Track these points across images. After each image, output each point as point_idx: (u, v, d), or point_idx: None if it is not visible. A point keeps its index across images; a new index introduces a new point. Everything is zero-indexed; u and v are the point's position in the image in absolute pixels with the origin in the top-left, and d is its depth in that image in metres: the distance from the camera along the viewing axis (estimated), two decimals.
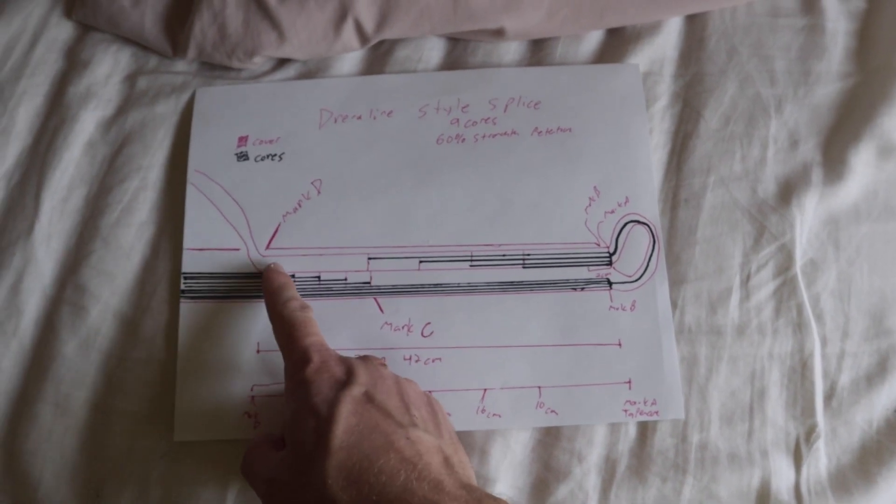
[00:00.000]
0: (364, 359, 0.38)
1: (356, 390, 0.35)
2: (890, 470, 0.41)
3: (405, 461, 0.33)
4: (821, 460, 0.41)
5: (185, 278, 0.45)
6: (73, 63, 0.50)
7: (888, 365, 0.43)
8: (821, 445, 0.41)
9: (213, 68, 0.50)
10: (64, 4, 0.52)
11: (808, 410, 0.42)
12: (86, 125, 0.48)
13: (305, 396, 0.35)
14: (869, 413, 0.42)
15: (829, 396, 0.42)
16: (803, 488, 0.41)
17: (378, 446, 0.33)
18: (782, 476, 0.41)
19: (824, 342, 0.43)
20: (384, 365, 0.38)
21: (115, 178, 0.47)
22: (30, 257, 0.46)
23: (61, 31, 0.51)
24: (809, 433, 0.41)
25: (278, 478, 0.35)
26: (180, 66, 0.50)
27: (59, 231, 0.47)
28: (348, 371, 0.36)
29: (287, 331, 0.39)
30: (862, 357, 0.43)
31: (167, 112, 0.48)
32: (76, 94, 0.49)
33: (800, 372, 0.42)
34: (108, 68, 0.50)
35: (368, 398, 0.35)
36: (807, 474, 0.41)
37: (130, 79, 0.50)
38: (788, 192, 0.45)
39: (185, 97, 0.49)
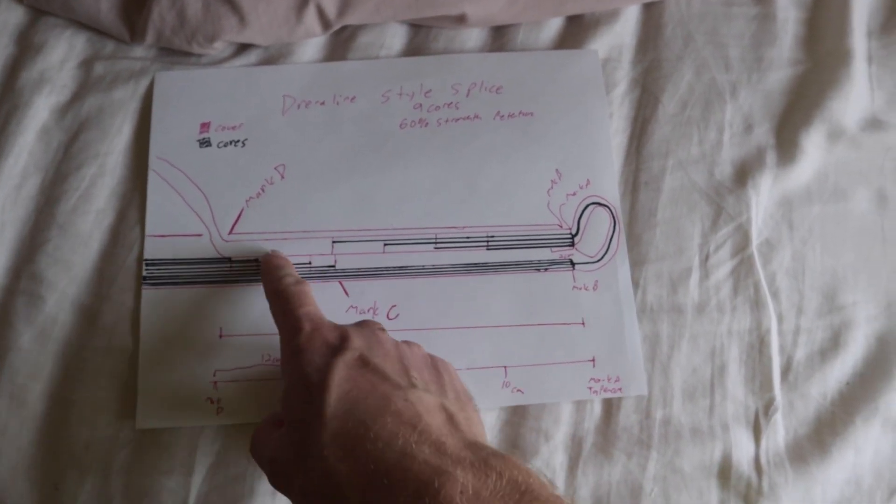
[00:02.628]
0: (360, 324, 0.37)
1: (349, 355, 0.33)
2: (844, 440, 0.42)
3: (403, 423, 0.31)
4: (779, 432, 0.42)
5: (147, 265, 0.44)
6: (25, 48, 0.49)
7: (840, 340, 0.44)
8: (779, 418, 0.42)
9: (173, 54, 0.49)
10: None
11: (766, 385, 0.43)
12: (39, 111, 0.47)
13: (298, 367, 0.34)
14: (823, 386, 0.43)
15: (786, 371, 0.44)
16: (763, 459, 0.42)
17: (374, 410, 0.31)
18: (742, 449, 0.42)
19: (780, 319, 0.44)
20: (382, 329, 0.37)
21: (71, 165, 0.46)
22: None
23: (12, 15, 0.50)
24: (768, 407, 0.43)
25: (279, 457, 0.33)
26: (138, 51, 0.49)
27: (12, 219, 0.45)
28: (341, 336, 0.35)
29: (281, 305, 0.38)
30: (816, 332, 0.44)
31: (125, 98, 0.48)
32: (29, 80, 0.48)
33: (758, 348, 0.44)
34: (63, 53, 0.49)
35: (363, 362, 0.33)
36: (766, 446, 0.42)
37: (86, 64, 0.49)
38: (744, 174, 0.47)
39: (143, 83, 0.48)
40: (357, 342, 0.34)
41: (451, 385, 0.36)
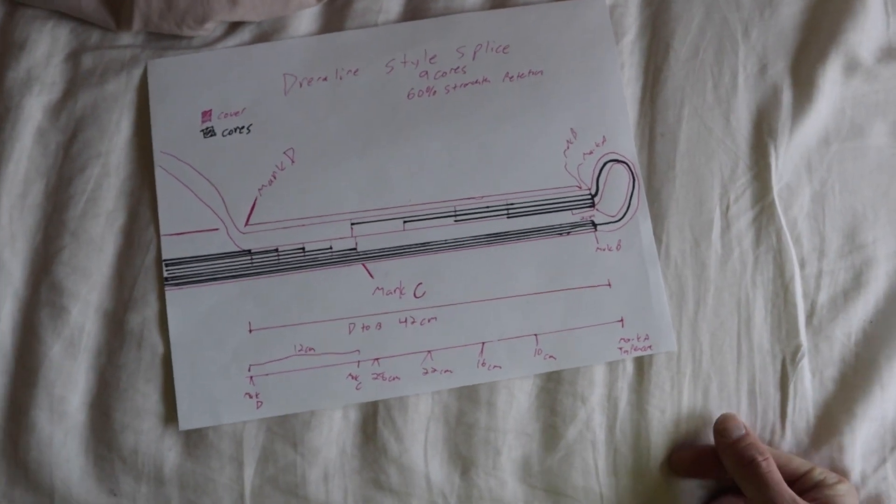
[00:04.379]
0: None
1: None
2: (867, 378, 0.43)
3: None
4: (806, 378, 0.43)
5: (167, 265, 0.44)
6: (6, 45, 0.46)
7: (862, 279, 0.45)
8: (805, 364, 0.43)
9: (162, 38, 0.47)
10: None
11: (792, 332, 0.44)
12: (32, 112, 0.45)
13: None
14: (847, 327, 0.44)
15: (810, 315, 0.44)
16: (788, 407, 0.43)
17: None
18: (770, 398, 0.43)
19: (803, 264, 0.45)
20: None
21: (73, 168, 0.45)
22: None
23: None
24: (795, 353, 0.44)
25: None
26: (126, 38, 0.47)
27: (21, 229, 0.44)
28: None
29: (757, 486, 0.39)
30: (838, 274, 0.45)
31: (119, 90, 0.46)
32: (16, 80, 0.45)
33: (782, 296, 0.44)
34: (47, 48, 0.46)
35: None
36: (792, 393, 0.43)
37: (73, 57, 0.46)
38: (760, 119, 0.46)
39: (136, 72, 0.46)
40: None
41: None
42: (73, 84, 0.46)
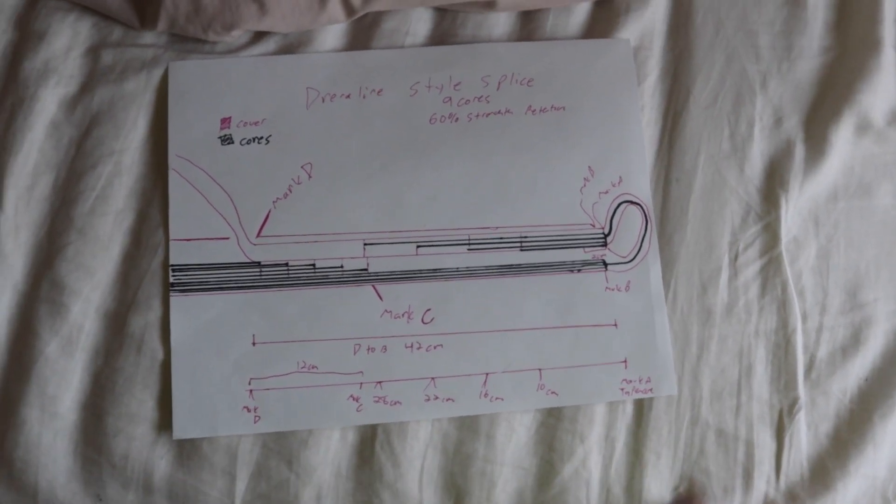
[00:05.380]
0: None
1: None
2: (861, 436, 0.44)
3: None
4: (801, 430, 0.44)
5: (174, 270, 0.43)
6: (25, 34, 0.45)
7: (861, 337, 0.45)
8: (801, 417, 0.44)
9: (185, 40, 0.46)
10: None
11: (790, 384, 0.44)
12: (47, 104, 0.44)
13: None
14: (843, 383, 0.45)
15: (809, 369, 0.45)
16: (784, 458, 0.44)
17: None
18: (765, 448, 0.44)
19: (805, 318, 0.45)
20: None
21: (85, 163, 0.44)
22: None
23: None
24: (792, 406, 0.44)
25: None
26: (148, 38, 0.46)
27: (27, 222, 0.43)
28: None
29: None
30: (838, 330, 0.46)
31: (138, 89, 0.45)
32: (33, 70, 0.45)
33: (783, 347, 0.45)
34: (67, 40, 0.45)
35: None
36: (788, 444, 0.44)
37: (93, 52, 0.46)
38: (773, 170, 0.47)
39: (157, 73, 0.45)
40: None
41: None
42: (91, 79, 0.45)
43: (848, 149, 0.48)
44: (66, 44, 0.45)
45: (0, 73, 0.45)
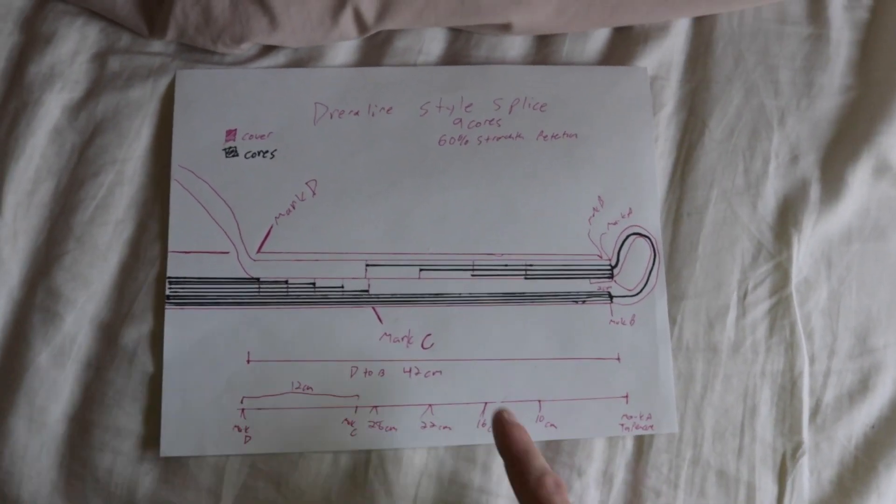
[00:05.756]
0: None
1: None
2: (866, 485, 0.43)
3: None
4: (804, 475, 0.43)
5: (171, 283, 0.42)
6: (32, 37, 0.45)
7: (869, 383, 0.44)
8: (804, 462, 0.43)
9: (194, 50, 0.45)
10: None
11: (795, 428, 0.43)
12: (51, 109, 0.44)
13: None
14: (849, 429, 0.44)
15: (815, 413, 0.44)
16: (785, 503, 0.43)
17: None
18: (767, 492, 0.43)
19: (812, 360, 0.44)
20: None
21: (87, 171, 0.43)
22: None
23: None
24: (795, 450, 0.43)
25: None
26: (156, 46, 0.45)
27: (25, 228, 0.43)
28: None
29: None
30: (846, 375, 0.44)
31: (144, 98, 0.44)
32: (38, 74, 0.44)
33: (789, 390, 0.44)
34: (74, 45, 0.45)
35: None
36: (790, 489, 0.43)
37: (100, 58, 0.45)
38: (787, 210, 0.46)
39: (163, 81, 0.45)
40: None
41: None
42: (97, 85, 0.45)
43: (864, 190, 0.47)
44: (73, 48, 0.45)
45: (5, 77, 0.44)
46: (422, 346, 0.43)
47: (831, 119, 0.48)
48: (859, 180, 0.46)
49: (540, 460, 0.34)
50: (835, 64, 0.48)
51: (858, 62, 0.49)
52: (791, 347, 0.44)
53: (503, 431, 0.36)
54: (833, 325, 0.45)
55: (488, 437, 0.42)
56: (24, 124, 0.43)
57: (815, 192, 0.46)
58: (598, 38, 0.48)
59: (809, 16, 0.49)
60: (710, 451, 0.43)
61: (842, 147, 0.47)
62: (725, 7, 0.48)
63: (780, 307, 0.44)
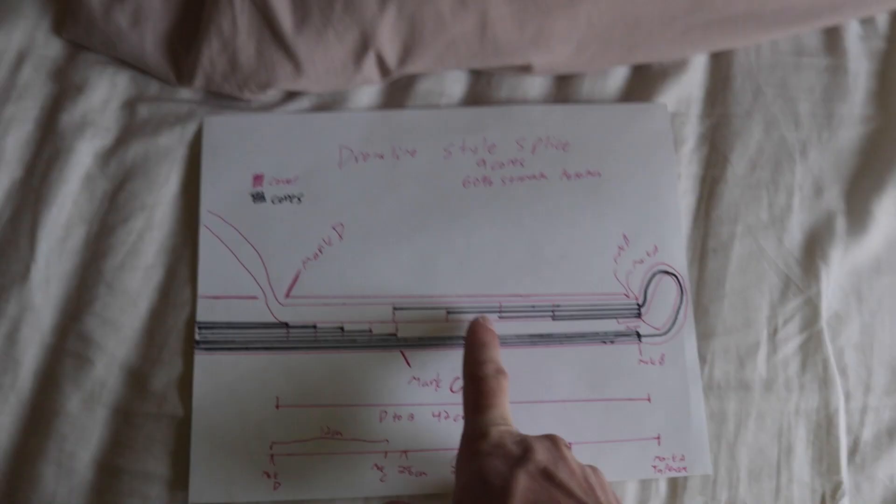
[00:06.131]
0: (547, 438, 0.35)
1: (532, 466, 0.32)
2: None
3: None
4: None
5: (200, 328, 0.42)
6: (64, 87, 0.46)
7: None
8: (846, 502, 0.42)
9: (221, 97, 0.46)
10: (52, 19, 0.47)
11: (833, 467, 0.42)
12: (83, 157, 0.44)
13: (478, 471, 0.33)
14: (891, 467, 0.43)
15: (853, 452, 0.43)
16: None
17: None
18: None
19: (848, 397, 0.44)
20: (568, 447, 0.35)
21: (117, 217, 0.44)
22: (27, 303, 0.42)
23: (50, 49, 0.47)
24: (835, 490, 0.42)
25: None
26: (184, 93, 0.46)
27: (57, 274, 0.43)
28: (525, 448, 0.33)
29: (474, 396, 0.37)
30: (884, 411, 0.44)
31: (172, 144, 0.45)
32: (70, 122, 0.45)
33: (825, 428, 0.43)
34: (105, 93, 0.46)
35: (547, 475, 0.32)
36: None
37: (130, 105, 0.46)
38: (813, 243, 0.45)
39: (191, 127, 0.45)
40: (541, 455, 0.33)
41: None
42: (127, 132, 0.45)
43: (891, 221, 0.46)
44: (105, 96, 0.46)
45: (39, 125, 0.45)
46: (451, 389, 0.42)
47: (853, 150, 0.48)
48: (885, 211, 0.46)
49: (491, 352, 0.39)
50: (854, 94, 0.48)
51: (878, 93, 0.49)
52: (825, 384, 0.43)
53: (471, 329, 0.40)
54: (867, 360, 0.44)
55: None
56: (57, 172, 0.44)
57: (841, 224, 0.46)
58: (618, 77, 0.48)
59: (826, 47, 0.49)
60: (747, 492, 0.42)
61: (866, 178, 0.47)
62: (742, 41, 0.48)
63: (811, 343, 0.44)
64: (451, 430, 0.42)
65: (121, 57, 0.46)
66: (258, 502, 0.41)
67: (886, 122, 0.48)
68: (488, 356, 0.38)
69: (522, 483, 0.31)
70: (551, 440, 0.35)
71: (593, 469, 0.34)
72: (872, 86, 0.49)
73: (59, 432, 0.41)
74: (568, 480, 0.32)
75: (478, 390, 0.37)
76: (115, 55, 0.46)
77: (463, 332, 0.43)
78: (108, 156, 0.45)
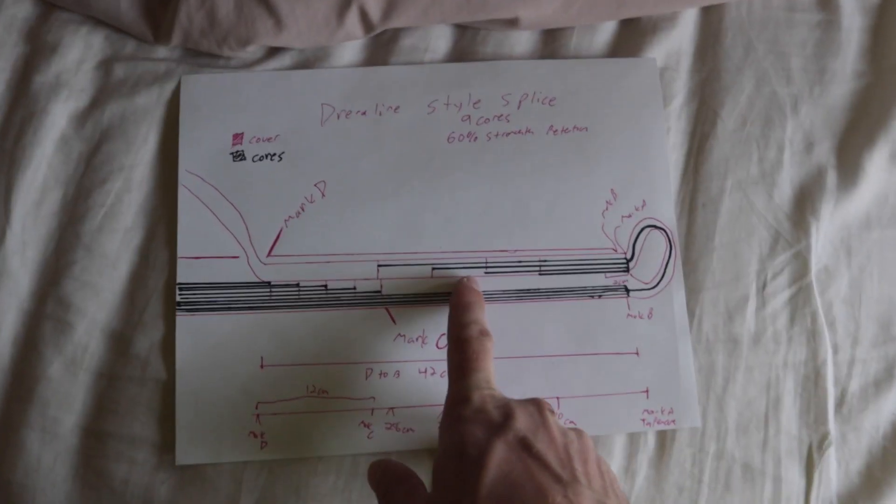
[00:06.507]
0: (529, 402, 0.34)
1: (511, 435, 0.31)
2: (893, 475, 0.42)
3: None
4: (831, 467, 0.42)
5: (181, 289, 0.42)
6: (37, 47, 0.45)
7: (895, 371, 0.43)
8: (832, 453, 0.42)
9: (199, 55, 0.45)
10: None
11: (820, 418, 0.42)
12: (57, 118, 0.43)
13: (458, 437, 0.32)
14: (876, 418, 0.43)
15: (840, 403, 0.43)
16: (812, 496, 0.42)
17: (531, 500, 0.29)
18: (793, 485, 0.42)
19: (836, 349, 0.43)
20: (552, 412, 0.34)
21: (94, 179, 0.43)
22: (3, 268, 0.42)
23: (21, 8, 0.45)
24: (822, 441, 0.42)
25: None
26: (161, 52, 0.45)
27: (34, 238, 0.42)
28: (506, 415, 0.33)
29: (458, 359, 0.36)
30: (871, 363, 0.44)
31: (150, 104, 0.44)
32: (44, 84, 0.44)
33: (813, 380, 0.43)
34: (79, 53, 0.45)
35: (525, 445, 0.31)
36: (817, 481, 0.42)
37: (105, 65, 0.45)
38: (803, 197, 0.45)
39: (168, 87, 0.44)
40: (521, 422, 0.32)
41: (612, 487, 0.33)
42: (102, 93, 0.44)
43: (882, 176, 0.46)
44: (79, 57, 0.44)
45: (10, 87, 0.44)
46: (436, 345, 0.42)
47: (845, 105, 0.47)
48: (876, 166, 0.45)
49: (475, 314, 0.38)
50: (846, 50, 0.48)
51: (870, 48, 0.48)
52: (813, 337, 0.43)
53: (455, 290, 0.40)
54: (855, 313, 0.44)
55: None
56: (31, 134, 0.43)
57: (831, 179, 0.45)
58: (606, 32, 0.47)
59: (819, 2, 0.48)
60: (735, 444, 0.42)
61: (857, 133, 0.46)
62: None
63: (800, 296, 0.44)
64: (437, 386, 0.41)
65: (95, 15, 0.44)
66: (246, 462, 0.40)
67: (878, 77, 0.47)
68: (472, 318, 0.38)
69: (498, 454, 0.31)
70: (535, 405, 0.34)
71: (578, 433, 0.34)
72: (865, 41, 0.48)
73: (42, 398, 0.40)
74: (545, 451, 0.31)
75: (461, 353, 0.36)
76: (89, 13, 0.45)
77: (449, 289, 0.42)
78: (83, 117, 0.44)
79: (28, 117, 0.43)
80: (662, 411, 0.42)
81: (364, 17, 0.43)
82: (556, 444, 0.32)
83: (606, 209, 0.44)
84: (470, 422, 0.33)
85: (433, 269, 0.43)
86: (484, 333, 0.37)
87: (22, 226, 0.42)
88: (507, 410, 0.33)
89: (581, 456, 0.32)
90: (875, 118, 0.46)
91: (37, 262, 0.42)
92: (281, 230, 0.43)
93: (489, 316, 0.42)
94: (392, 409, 0.41)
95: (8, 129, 0.43)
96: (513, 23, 0.45)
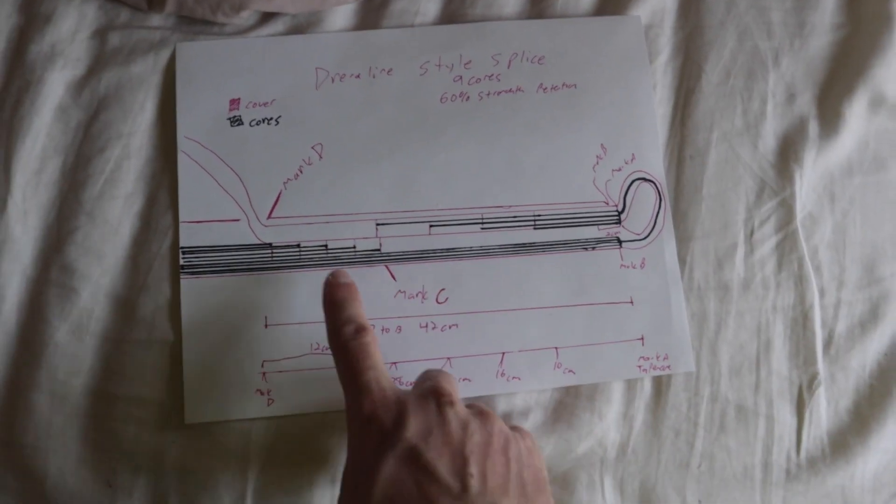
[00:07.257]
0: (429, 395, 0.34)
1: (400, 448, 0.32)
2: (881, 411, 0.44)
3: None
4: (821, 406, 0.44)
5: (184, 253, 0.42)
6: (31, 18, 0.45)
7: (879, 312, 0.45)
8: (821, 392, 0.44)
9: (193, 22, 0.46)
10: None
11: (809, 359, 0.44)
12: (54, 88, 0.44)
13: (353, 450, 0.34)
14: (863, 358, 0.44)
15: (828, 344, 0.44)
16: (804, 433, 0.43)
17: None
18: (785, 424, 0.43)
19: (822, 293, 0.45)
20: (451, 403, 0.34)
21: (93, 147, 0.43)
22: (5, 236, 0.42)
23: None
24: (811, 381, 0.44)
25: None
26: (156, 19, 0.46)
27: (35, 206, 0.43)
28: (398, 419, 0.33)
29: (340, 368, 0.36)
30: (856, 305, 0.45)
31: (146, 72, 0.44)
32: (40, 53, 0.44)
33: (801, 323, 0.44)
34: (74, 23, 0.45)
35: (413, 457, 0.31)
36: (808, 420, 0.43)
37: (100, 34, 0.45)
38: (787, 146, 0.46)
39: (164, 55, 0.45)
40: (413, 427, 0.32)
41: (518, 476, 0.33)
42: (98, 62, 0.45)
43: (862, 124, 0.47)
44: (73, 26, 0.45)
45: (6, 58, 0.45)
46: (436, 300, 0.43)
47: (825, 57, 0.48)
48: (856, 114, 0.47)
49: (349, 311, 0.36)
50: (825, 3, 0.49)
51: (848, 0, 0.49)
52: (800, 281, 0.45)
53: (323, 290, 0.38)
54: (840, 257, 0.46)
55: (508, 387, 0.43)
56: (29, 104, 0.43)
57: (813, 128, 0.47)
58: None
59: None
60: (728, 387, 0.43)
61: (837, 83, 0.48)
62: None
63: (786, 242, 0.45)
64: (438, 340, 0.42)
65: None
66: (253, 419, 0.41)
67: (856, 29, 0.49)
68: (345, 317, 0.36)
69: (386, 472, 0.31)
70: (434, 397, 0.34)
71: (484, 417, 0.34)
72: None
73: (50, 363, 0.41)
74: (435, 460, 0.31)
75: (342, 362, 0.35)
76: None
77: (448, 245, 0.43)
78: (80, 86, 0.44)
79: (25, 87, 0.44)
80: (658, 357, 0.43)
81: None
82: (451, 445, 0.32)
83: (597, 163, 0.45)
84: (360, 435, 0.34)
85: (430, 226, 0.44)
86: (360, 330, 0.36)
87: (23, 194, 0.43)
88: (399, 412, 0.33)
89: (481, 450, 0.32)
90: (854, 68, 0.47)
91: (39, 230, 0.43)
92: (280, 192, 0.43)
93: (488, 271, 0.43)
94: (395, 363, 0.42)
95: (5, 100, 0.44)
96: None
